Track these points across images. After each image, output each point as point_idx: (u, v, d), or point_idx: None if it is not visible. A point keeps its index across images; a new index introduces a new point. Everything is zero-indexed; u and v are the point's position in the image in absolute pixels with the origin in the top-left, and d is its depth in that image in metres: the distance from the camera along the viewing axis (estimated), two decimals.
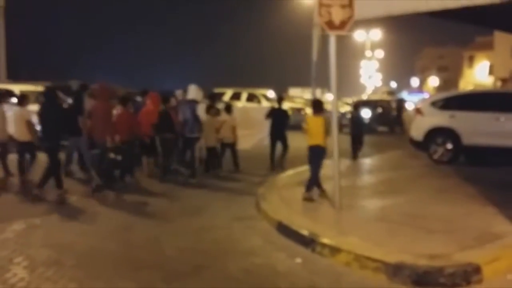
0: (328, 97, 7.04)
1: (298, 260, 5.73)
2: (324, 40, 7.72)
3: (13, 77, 21.19)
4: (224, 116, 11.62)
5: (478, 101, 12.69)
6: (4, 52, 20.67)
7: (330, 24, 7.16)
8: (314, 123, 8.23)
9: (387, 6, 8.51)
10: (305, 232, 6.29)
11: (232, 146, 11.67)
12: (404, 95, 69.61)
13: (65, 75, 33.12)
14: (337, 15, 7.11)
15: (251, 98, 24.48)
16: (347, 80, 75.19)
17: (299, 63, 15.30)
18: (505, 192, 8.59)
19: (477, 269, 5.07)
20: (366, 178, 10.45)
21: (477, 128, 11.98)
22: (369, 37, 63.37)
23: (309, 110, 17.57)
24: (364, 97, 47.79)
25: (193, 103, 11.06)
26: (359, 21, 7.87)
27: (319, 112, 8.36)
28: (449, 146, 12.34)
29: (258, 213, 7.77)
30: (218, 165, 11.47)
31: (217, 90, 23.55)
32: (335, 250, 5.74)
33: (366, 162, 13.19)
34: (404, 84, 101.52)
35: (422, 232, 6.34)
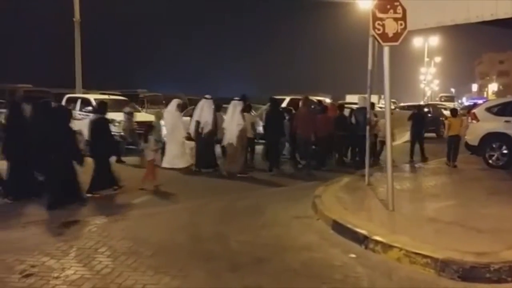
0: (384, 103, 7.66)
1: (352, 255, 6.08)
2: (380, 46, 7.96)
3: (85, 87, 22.54)
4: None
5: None
6: (80, 64, 21.70)
7: (384, 36, 7.46)
8: (454, 122, 12.92)
9: (439, 17, 8.62)
10: (359, 230, 6.60)
11: (384, 143, 13.39)
12: (464, 100, 67.96)
13: (129, 84, 34.72)
14: (390, 28, 7.40)
15: None
16: (406, 86, 74.05)
17: (356, 70, 15.86)
18: None
19: None
20: (420, 182, 10.63)
21: None
22: (428, 42, 62.28)
23: None
24: (422, 102, 47.55)
25: (364, 109, 12.89)
26: (412, 31, 8.20)
27: (456, 115, 13.37)
28: (505, 150, 12.40)
29: (315, 213, 8.16)
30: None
31: (276, 97, 24.05)
32: (386, 247, 6.04)
33: (421, 166, 13.38)
34: (464, 89, 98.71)
35: (471, 231, 6.55)
